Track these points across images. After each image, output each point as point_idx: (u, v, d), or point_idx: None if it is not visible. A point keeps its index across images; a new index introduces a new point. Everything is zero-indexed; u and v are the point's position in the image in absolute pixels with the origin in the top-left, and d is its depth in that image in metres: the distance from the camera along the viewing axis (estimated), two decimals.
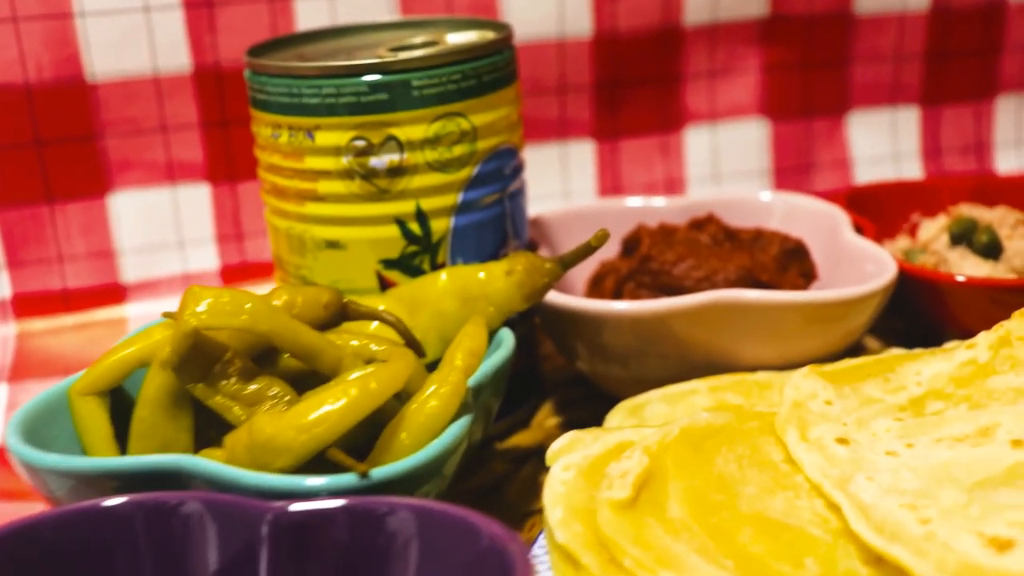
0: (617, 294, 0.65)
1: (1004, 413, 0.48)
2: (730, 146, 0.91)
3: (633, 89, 0.88)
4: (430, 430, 0.45)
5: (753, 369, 0.61)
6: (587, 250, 0.54)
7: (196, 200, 0.82)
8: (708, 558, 0.40)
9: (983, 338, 0.54)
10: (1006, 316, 0.55)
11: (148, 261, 0.81)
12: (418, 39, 0.63)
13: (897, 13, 0.92)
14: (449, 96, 0.57)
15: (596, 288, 0.67)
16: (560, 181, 0.89)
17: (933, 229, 0.75)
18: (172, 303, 0.82)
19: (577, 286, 0.71)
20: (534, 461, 0.62)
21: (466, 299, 0.56)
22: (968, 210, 0.77)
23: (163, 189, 0.81)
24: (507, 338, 0.55)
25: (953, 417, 0.49)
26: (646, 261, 0.65)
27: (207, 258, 0.83)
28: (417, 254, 0.59)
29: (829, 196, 0.78)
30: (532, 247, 0.66)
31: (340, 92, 0.56)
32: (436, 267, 0.60)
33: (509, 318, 0.56)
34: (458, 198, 0.59)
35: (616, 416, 0.55)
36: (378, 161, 0.57)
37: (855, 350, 0.64)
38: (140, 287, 0.82)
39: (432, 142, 0.57)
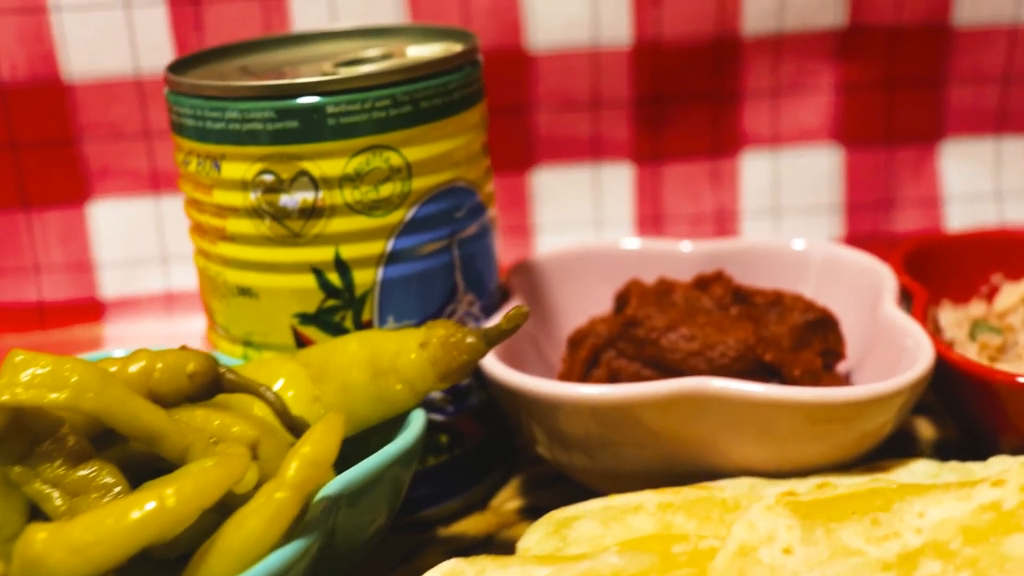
0: (592, 364, 0.55)
1: None
2: (794, 176, 0.79)
3: (680, 106, 0.76)
4: (244, 557, 0.36)
5: (743, 473, 0.50)
6: (504, 331, 0.44)
7: (181, 212, 0.75)
8: None
9: (1017, 474, 0.42)
10: None
11: (128, 277, 0.75)
12: (374, 51, 0.54)
13: (1007, 26, 0.77)
14: (374, 126, 0.48)
15: (571, 354, 0.56)
16: (592, 208, 0.78)
17: (1013, 297, 0.62)
18: (152, 324, 0.76)
19: (562, 348, 0.61)
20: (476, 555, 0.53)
21: (377, 372, 0.46)
22: None
23: (146, 199, 0.74)
24: (413, 423, 0.45)
25: None
26: (631, 326, 0.54)
27: (191, 275, 0.76)
28: (337, 309, 0.50)
29: (905, 243, 0.65)
30: (495, 302, 0.56)
31: (245, 118, 0.47)
32: (361, 326, 0.51)
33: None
34: (387, 246, 0.50)
35: (535, 533, 0.45)
36: (289, 199, 0.48)
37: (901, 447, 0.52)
38: (119, 304, 0.75)
39: (353, 180, 0.48)
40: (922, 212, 0.81)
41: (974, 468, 0.49)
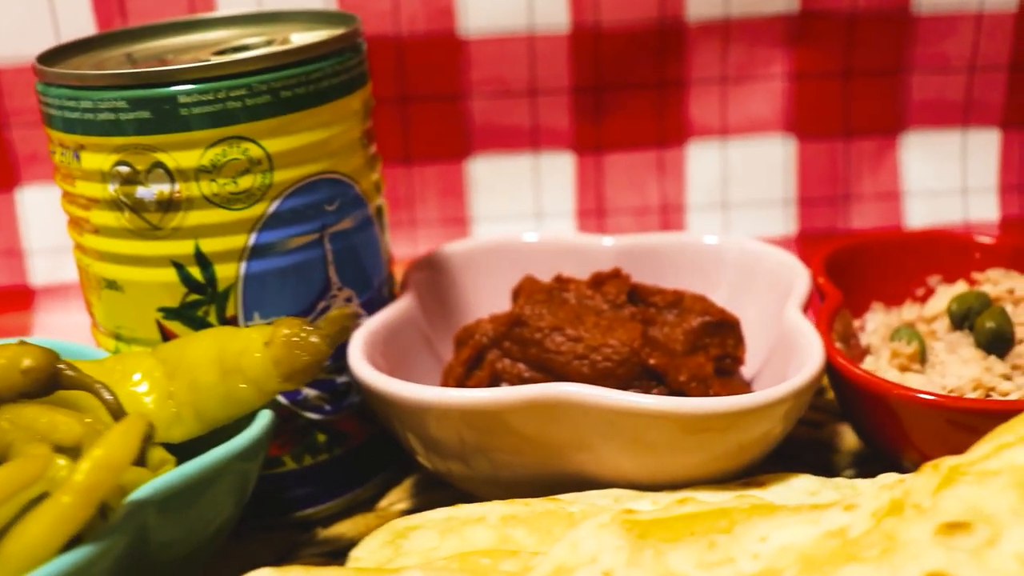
0: (475, 364, 0.52)
1: None
2: (745, 168, 0.76)
3: (622, 95, 0.74)
4: (24, 563, 0.35)
5: (618, 483, 0.47)
6: (335, 334, 0.42)
7: None
8: None
9: (872, 498, 0.39)
10: (973, 442, 0.39)
11: (57, 264, 0.74)
12: (257, 39, 0.53)
13: (973, 12, 0.73)
14: (230, 116, 0.46)
15: (455, 354, 0.54)
16: (532, 199, 0.75)
17: (943, 302, 0.58)
18: (81, 312, 0.76)
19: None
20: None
21: (225, 371, 0.45)
22: (999, 279, 0.59)
23: None
24: (254, 425, 0.43)
25: None
26: (517, 325, 0.52)
27: None
28: (200, 304, 0.48)
29: (835, 241, 0.62)
30: (383, 297, 0.54)
31: (98, 108, 0.46)
32: (225, 321, 0.49)
33: None
34: (249, 240, 0.48)
35: (371, 542, 0.43)
36: (146, 192, 0.47)
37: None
38: (48, 292, 0.75)
39: (209, 172, 0.46)
40: (881, 207, 0.77)
41: (861, 486, 0.46)
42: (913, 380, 0.52)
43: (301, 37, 0.52)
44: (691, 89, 0.74)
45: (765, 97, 0.75)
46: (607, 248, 0.61)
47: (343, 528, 0.54)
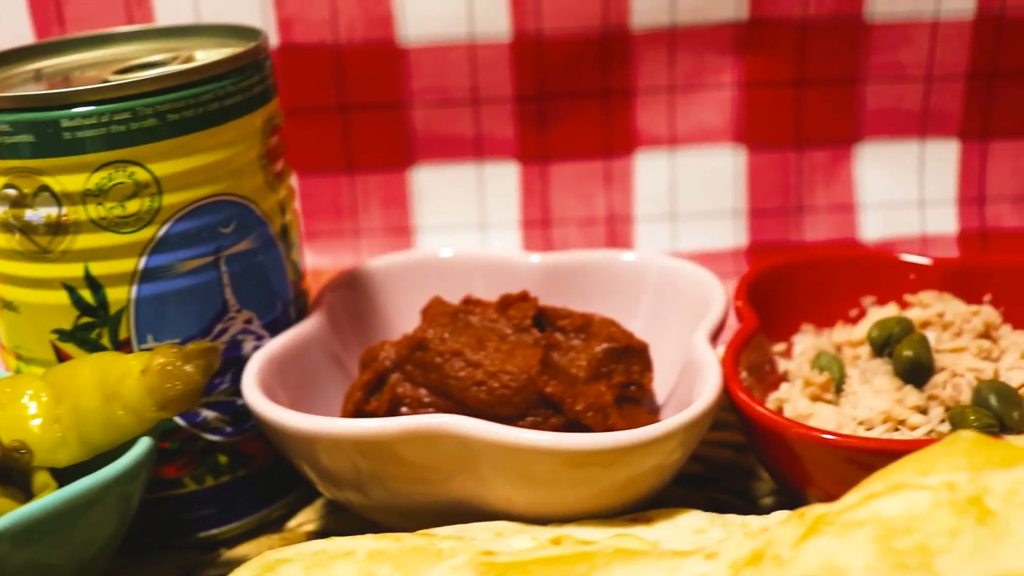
0: (376, 388, 0.52)
1: None
2: (694, 179, 0.74)
3: (567, 103, 0.72)
4: None
5: (508, 516, 0.47)
6: (206, 365, 0.41)
7: None
8: None
9: (734, 547, 0.38)
10: None
11: None
12: (161, 56, 0.52)
13: (928, 20, 0.71)
14: (115, 140, 0.45)
15: (359, 377, 0.53)
16: (476, 209, 0.75)
17: (869, 326, 0.57)
18: None
19: None
20: None
21: (106, 396, 0.44)
22: (931, 302, 0.58)
23: None
24: (131, 453, 0.43)
25: None
26: (419, 349, 0.51)
27: None
28: (93, 326, 0.48)
29: (766, 260, 0.60)
30: (288, 318, 0.53)
31: None
32: (119, 344, 0.48)
33: None
34: (139, 263, 0.47)
35: (240, 575, 0.43)
36: (34, 215, 0.46)
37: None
38: None
39: (96, 195, 0.46)
40: (835, 220, 0.76)
41: (752, 522, 0.45)
42: (823, 411, 0.50)
43: (207, 54, 0.51)
44: (638, 98, 0.73)
45: (714, 106, 0.73)
46: (531, 265, 0.60)
47: (248, 549, 0.53)
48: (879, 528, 0.36)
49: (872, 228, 0.75)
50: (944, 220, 0.76)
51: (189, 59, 0.51)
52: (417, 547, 0.42)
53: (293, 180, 0.68)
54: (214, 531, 0.53)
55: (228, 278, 0.50)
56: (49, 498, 0.40)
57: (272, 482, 0.54)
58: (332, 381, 0.55)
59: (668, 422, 0.44)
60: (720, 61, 0.72)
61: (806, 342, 0.58)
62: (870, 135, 0.74)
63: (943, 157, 0.75)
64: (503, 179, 0.74)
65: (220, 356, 0.41)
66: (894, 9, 0.71)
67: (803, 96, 0.73)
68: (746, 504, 0.55)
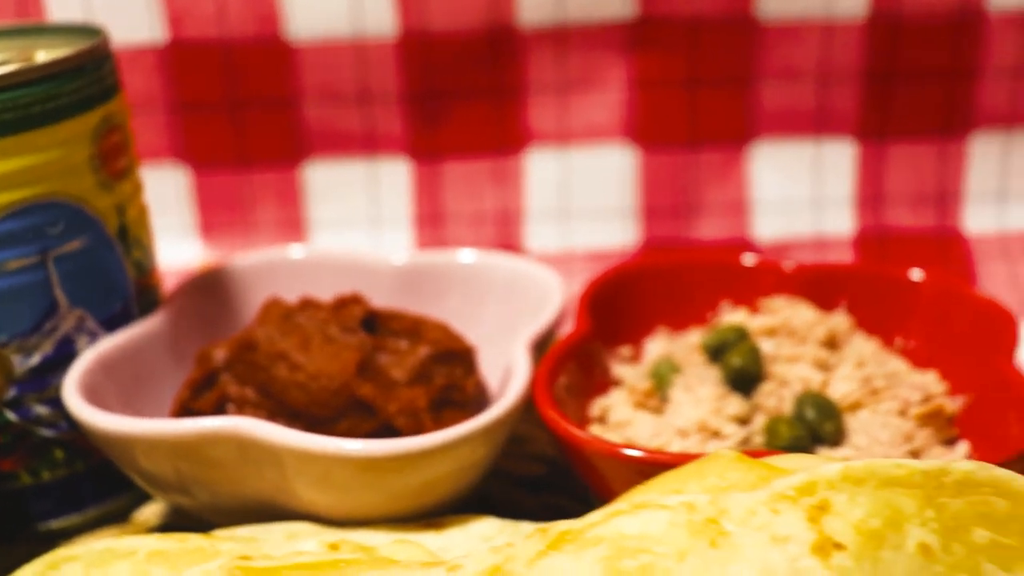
0: (205, 387, 0.52)
1: None
2: (585, 177, 0.74)
3: (456, 101, 0.73)
4: None
5: (315, 517, 0.47)
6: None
7: None
8: None
9: (477, 561, 0.38)
10: None
11: None
12: (2, 55, 0.53)
13: (820, 21, 0.70)
14: None
15: (191, 374, 0.54)
16: (368, 205, 0.75)
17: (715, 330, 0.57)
18: None
19: None
20: None
21: None
22: (780, 308, 0.57)
23: None
24: None
25: None
26: (248, 349, 0.52)
27: None
28: None
29: (624, 263, 0.61)
30: (127, 315, 0.54)
31: None
32: None
33: None
34: None
35: (23, 573, 0.44)
36: None
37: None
38: None
39: None
40: (728, 219, 0.75)
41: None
42: (642, 420, 0.50)
43: (49, 54, 0.52)
44: (528, 96, 0.73)
45: (605, 104, 0.73)
46: (389, 265, 0.60)
47: (94, 537, 0.54)
48: (613, 547, 0.36)
49: (767, 227, 0.75)
50: (840, 220, 0.75)
51: (29, 59, 0.51)
52: (198, 548, 0.43)
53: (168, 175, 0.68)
54: (54, 524, 0.54)
55: (57, 277, 0.50)
56: None
57: (114, 475, 0.55)
58: (178, 381, 0.56)
59: (456, 428, 0.44)
60: (611, 59, 0.72)
61: (659, 346, 0.59)
62: (765, 134, 0.74)
63: (839, 157, 0.74)
64: (394, 176, 0.74)
65: (12, 364, 0.42)
66: (786, 8, 0.70)
67: (696, 95, 0.73)
68: (584, 508, 0.55)
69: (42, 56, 0.52)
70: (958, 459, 0.45)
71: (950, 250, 0.76)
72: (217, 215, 0.75)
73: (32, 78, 0.48)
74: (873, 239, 0.75)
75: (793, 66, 0.72)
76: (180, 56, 0.71)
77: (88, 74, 0.50)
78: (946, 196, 0.76)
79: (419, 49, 0.71)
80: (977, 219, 0.76)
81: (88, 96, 0.51)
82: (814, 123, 0.74)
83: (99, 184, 0.52)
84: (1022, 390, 0.48)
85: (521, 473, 0.56)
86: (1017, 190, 0.75)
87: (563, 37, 0.71)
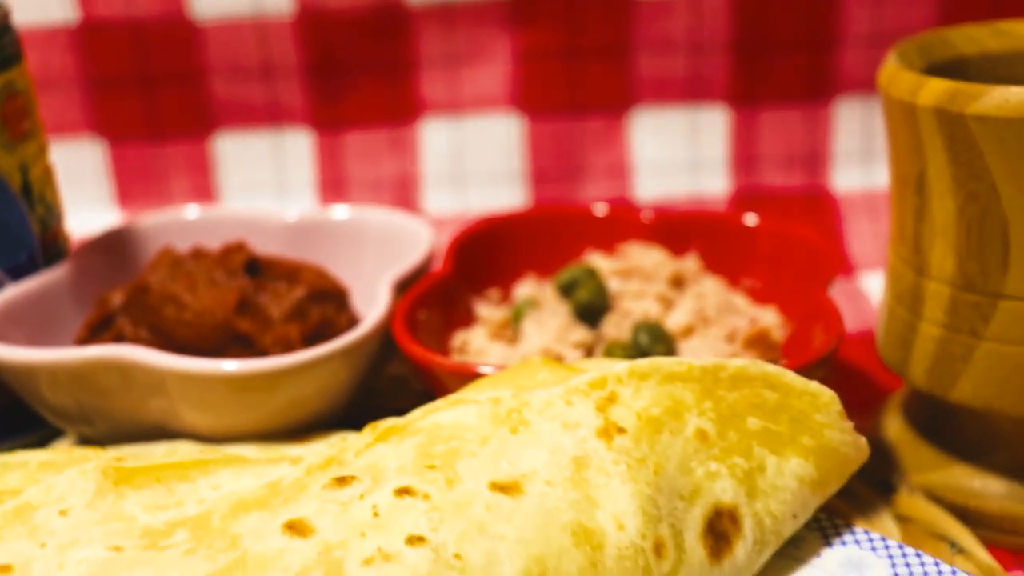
0: (100, 328, 0.57)
1: (180, 561, 0.38)
2: (476, 144, 0.80)
3: (354, 75, 0.78)
4: None
5: (199, 438, 0.52)
6: None
7: None
8: None
9: (316, 454, 0.44)
10: None
11: None
12: None
13: None
14: None
15: (88, 317, 0.59)
16: (274, 173, 0.80)
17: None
18: None
19: None
20: None
21: None
22: (634, 253, 0.63)
23: None
24: None
25: (163, 559, 0.39)
26: (142, 292, 0.57)
27: None
28: None
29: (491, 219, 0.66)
30: (33, 267, 0.59)
31: None
32: None
33: None
34: None
35: None
36: None
37: None
38: None
39: None
40: (612, 182, 0.81)
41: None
42: (494, 348, 0.56)
43: None
44: (420, 69, 0.78)
45: (492, 76, 0.78)
46: (280, 222, 0.65)
47: None
48: (428, 436, 0.42)
49: (648, 189, 0.81)
50: (716, 181, 0.81)
51: None
52: (83, 456, 0.48)
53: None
54: None
55: None
56: None
57: (25, 413, 0.60)
58: (74, 327, 0.60)
59: (317, 349, 0.50)
60: (495, 33, 0.77)
61: (527, 289, 0.64)
62: (643, 102, 0.80)
63: (713, 122, 0.80)
64: (298, 146, 0.80)
65: None
66: None
67: (577, 66, 0.78)
68: None
69: None
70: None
71: (820, 207, 0.81)
72: (132, 185, 0.80)
73: None
74: (748, 199, 0.81)
75: (667, 37, 0.78)
76: (92, 35, 0.76)
77: None
78: (814, 157, 0.81)
79: (316, 25, 0.76)
80: (844, 178, 0.82)
81: None
82: (689, 91, 0.79)
83: (2, 145, 0.57)
84: (829, 312, 0.54)
85: (393, 408, 0.61)
86: (881, 151, 0.81)
87: (450, 14, 0.76)
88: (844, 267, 0.77)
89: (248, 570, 0.36)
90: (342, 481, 0.40)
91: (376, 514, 0.38)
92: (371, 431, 0.43)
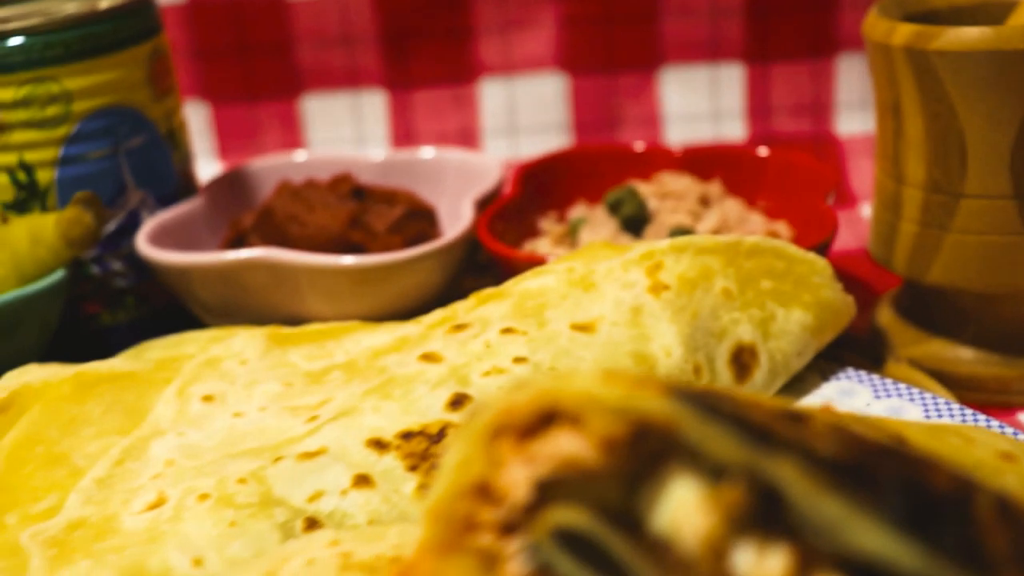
0: (234, 245, 0.71)
1: (339, 390, 0.51)
2: (527, 100, 0.93)
3: (422, 40, 0.91)
4: None
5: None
6: (86, 221, 0.61)
7: None
8: None
9: (433, 315, 0.57)
10: None
11: None
12: (75, 4, 0.71)
13: None
14: (36, 63, 0.64)
15: (224, 237, 0.72)
16: (353, 128, 0.93)
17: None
18: None
19: None
20: None
21: (34, 242, 0.64)
22: (669, 180, 0.76)
23: None
24: (50, 279, 0.62)
25: (326, 387, 0.52)
26: (267, 215, 0.70)
27: None
28: (28, 200, 0.67)
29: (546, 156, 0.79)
30: (178, 195, 0.72)
31: None
32: (46, 212, 0.68)
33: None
34: (59, 153, 0.66)
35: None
36: None
37: None
38: None
39: (25, 103, 0.65)
40: (644, 130, 0.94)
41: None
42: (556, 253, 0.69)
43: (108, 2, 0.70)
44: (478, 35, 0.91)
45: (540, 41, 0.91)
46: (370, 162, 0.79)
47: None
48: (521, 297, 0.55)
49: (675, 136, 0.93)
50: (735, 128, 0.94)
51: (94, 6, 0.69)
52: (242, 330, 0.60)
53: (199, 104, 0.86)
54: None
55: (126, 165, 0.69)
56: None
57: (172, 318, 0.73)
58: (213, 247, 0.74)
59: (417, 248, 0.63)
60: (543, 4, 0.90)
61: (579, 211, 0.77)
62: (670, 61, 0.92)
63: (731, 78, 0.93)
64: (373, 104, 0.93)
65: (109, 207, 0.59)
66: None
67: (612, 31, 0.91)
68: None
69: (104, 4, 0.70)
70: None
71: (825, 150, 0.94)
72: (231, 141, 0.93)
73: (103, 17, 0.66)
74: (762, 143, 0.93)
75: (689, 3, 0.90)
76: (198, 13, 0.89)
77: (141, 15, 0.69)
78: (820, 106, 0.94)
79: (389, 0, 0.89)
80: (846, 124, 0.94)
81: (142, 31, 0.69)
82: (709, 50, 0.92)
83: (153, 97, 0.70)
84: (825, 214, 0.67)
85: None
86: None
87: None
88: (846, 197, 0.90)
89: (397, 384, 0.49)
90: (459, 327, 0.53)
91: (488, 345, 0.51)
92: (474, 298, 0.56)
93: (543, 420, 0.27)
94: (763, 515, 0.25)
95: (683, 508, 0.25)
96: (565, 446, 0.26)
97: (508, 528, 0.27)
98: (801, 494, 0.24)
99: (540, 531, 0.26)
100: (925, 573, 0.21)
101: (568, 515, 0.26)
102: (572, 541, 0.26)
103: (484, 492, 0.28)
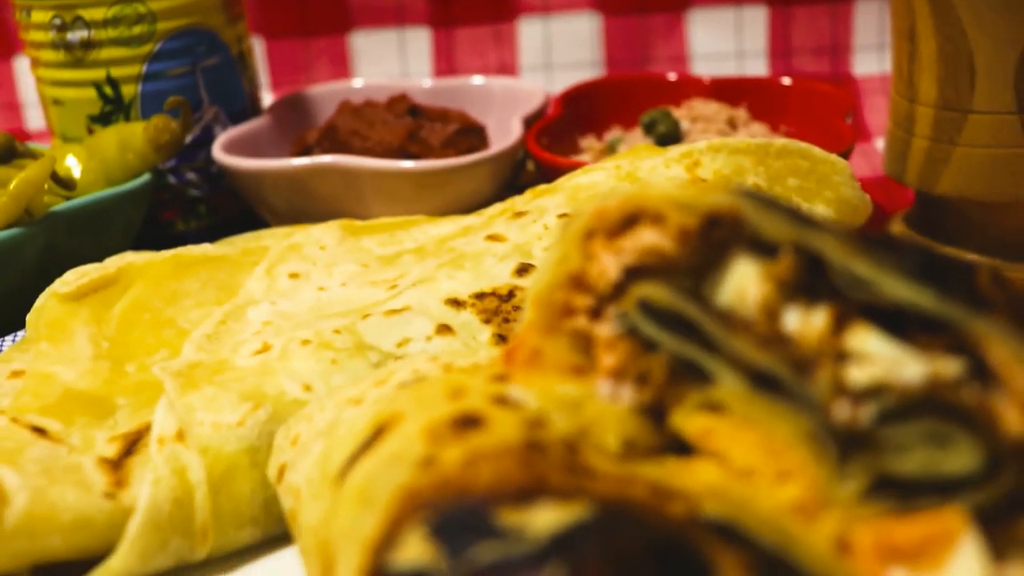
0: (305, 153, 0.77)
1: (413, 266, 0.57)
2: (563, 38, 0.98)
3: None
4: None
5: None
6: (174, 128, 0.67)
7: None
8: (93, 337, 0.53)
9: (494, 207, 0.63)
10: None
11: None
12: None
13: None
14: None
15: (291, 148, 0.79)
16: (399, 64, 0.99)
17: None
18: None
19: None
20: None
21: (123, 148, 0.70)
22: (697, 105, 0.82)
23: None
24: (138, 180, 0.68)
25: (400, 266, 0.59)
26: (331, 130, 0.76)
27: None
28: (113, 113, 0.74)
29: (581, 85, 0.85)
30: (246, 113, 0.78)
31: None
32: None
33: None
34: (143, 69, 0.73)
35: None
36: (73, 36, 0.72)
37: None
38: (37, 135, 1.01)
39: (114, 22, 0.71)
40: (673, 68, 0.99)
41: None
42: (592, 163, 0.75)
43: None
44: None
45: None
46: (421, 87, 0.85)
47: None
48: (572, 190, 0.61)
49: (701, 72, 0.99)
50: (758, 67, 0.99)
51: None
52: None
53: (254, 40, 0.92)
54: None
55: (202, 82, 0.75)
56: (90, 196, 0.65)
57: (240, 228, 0.79)
58: (279, 156, 0.80)
59: (474, 155, 0.69)
60: None
61: (614, 135, 0.83)
62: (698, 2, 0.98)
63: (755, 19, 0.98)
64: (418, 41, 0.99)
65: (193, 115, 0.65)
66: None
67: None
68: None
69: None
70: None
71: (843, 88, 1.00)
72: (284, 74, 0.99)
73: None
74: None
75: None
76: None
77: None
78: (838, 48, 1.00)
79: None
80: (862, 65, 1.00)
81: None
82: None
83: (226, 21, 0.76)
84: (843, 130, 0.72)
85: None
86: None
87: None
88: (861, 132, 0.96)
89: (467, 258, 0.56)
90: (518, 215, 0.59)
91: (547, 227, 0.57)
92: (530, 192, 0.62)
93: (628, 220, 0.33)
94: (808, 283, 0.31)
95: (743, 281, 0.31)
96: (648, 238, 0.33)
97: (598, 313, 0.34)
98: (839, 258, 0.30)
99: (628, 303, 0.33)
100: (940, 310, 0.27)
101: (650, 289, 0.32)
102: (654, 312, 0.32)
103: (579, 282, 0.34)
